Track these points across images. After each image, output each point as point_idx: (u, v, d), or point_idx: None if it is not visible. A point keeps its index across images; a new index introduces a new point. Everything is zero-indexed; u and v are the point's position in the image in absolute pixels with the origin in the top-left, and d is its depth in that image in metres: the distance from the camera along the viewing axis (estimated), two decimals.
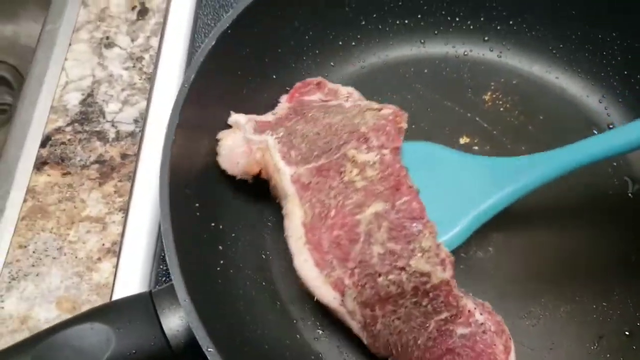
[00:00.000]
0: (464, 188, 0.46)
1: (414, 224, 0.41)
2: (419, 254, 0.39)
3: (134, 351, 0.36)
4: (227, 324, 0.42)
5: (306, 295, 0.49)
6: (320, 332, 0.47)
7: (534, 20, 0.59)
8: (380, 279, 0.40)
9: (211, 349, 0.35)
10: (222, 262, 0.47)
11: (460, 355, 0.40)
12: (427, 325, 0.40)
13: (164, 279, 0.52)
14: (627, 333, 0.47)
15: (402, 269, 0.40)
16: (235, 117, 0.50)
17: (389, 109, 0.47)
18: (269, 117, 0.51)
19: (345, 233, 0.42)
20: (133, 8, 0.69)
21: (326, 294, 0.42)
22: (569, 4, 0.56)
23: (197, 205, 0.46)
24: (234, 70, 0.52)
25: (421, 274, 0.39)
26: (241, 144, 0.48)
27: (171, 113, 0.44)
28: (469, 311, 0.41)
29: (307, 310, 0.48)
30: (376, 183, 0.43)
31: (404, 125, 0.47)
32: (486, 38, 0.62)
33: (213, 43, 0.48)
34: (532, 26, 0.60)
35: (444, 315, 0.40)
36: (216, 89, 0.50)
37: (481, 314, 0.41)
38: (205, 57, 0.47)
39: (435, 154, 0.50)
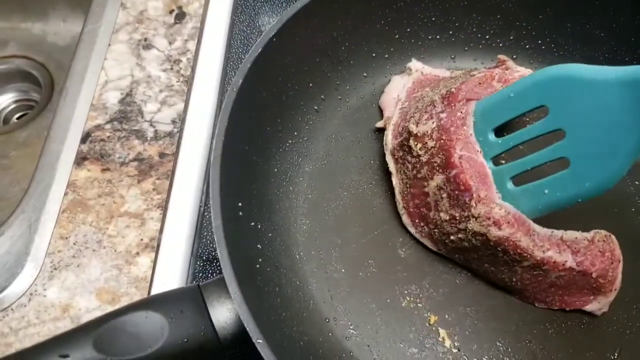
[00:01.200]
0: (615, 117, 0.37)
1: (465, 195, 0.45)
2: (473, 220, 0.45)
3: (185, 340, 0.37)
4: (268, 319, 0.43)
5: (337, 296, 0.51)
6: (352, 331, 0.49)
7: (563, 40, 0.61)
8: (452, 237, 0.48)
9: (260, 340, 0.37)
10: (260, 260, 0.48)
11: (564, 287, 0.46)
12: (515, 269, 0.46)
13: (200, 275, 0.53)
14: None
15: (464, 230, 0.46)
16: (412, 63, 0.58)
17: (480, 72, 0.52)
18: (442, 71, 0.59)
19: (421, 202, 0.50)
20: (171, 12, 0.71)
21: (427, 244, 0.52)
22: (600, 27, 0.59)
23: (239, 204, 0.48)
24: (275, 77, 0.54)
25: (479, 233, 0.45)
26: (400, 90, 0.55)
27: (221, 115, 0.46)
28: (554, 262, 0.44)
29: (338, 310, 0.50)
30: (435, 155, 0.48)
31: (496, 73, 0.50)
32: (515, 56, 0.64)
33: (260, 49, 0.50)
34: (560, 46, 0.62)
35: (526, 264, 0.45)
36: (260, 94, 0.52)
37: (573, 259, 0.45)
38: (252, 63, 0.49)
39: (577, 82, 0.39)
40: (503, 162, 0.48)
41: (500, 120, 0.45)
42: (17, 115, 0.87)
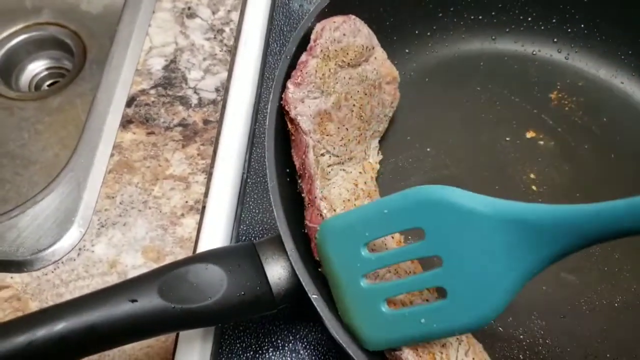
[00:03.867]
0: (493, 250, 0.34)
1: None
2: None
3: (242, 293, 0.39)
4: (317, 280, 0.45)
5: None
6: None
7: (606, 25, 0.62)
8: None
9: (315, 295, 0.38)
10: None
11: None
12: None
13: (244, 238, 0.55)
14: None
15: None
16: None
17: None
18: None
19: None
20: None
21: None
22: None
23: (287, 170, 0.49)
24: None
25: None
26: None
27: (275, 81, 0.47)
28: None
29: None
30: None
31: None
32: (555, 39, 0.64)
33: (313, 19, 0.51)
34: (603, 31, 0.62)
35: None
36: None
37: None
38: (305, 32, 0.50)
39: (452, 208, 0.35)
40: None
41: (373, 237, 0.39)
42: (48, 82, 0.88)
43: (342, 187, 0.48)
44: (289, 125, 0.48)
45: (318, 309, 0.38)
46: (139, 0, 0.70)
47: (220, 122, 0.61)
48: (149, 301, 0.35)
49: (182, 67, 0.65)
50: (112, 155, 0.58)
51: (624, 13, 0.60)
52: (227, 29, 0.69)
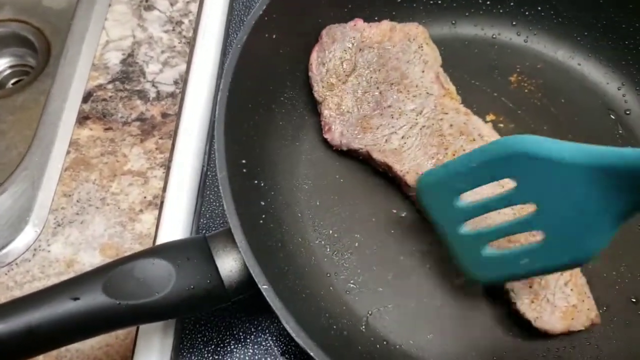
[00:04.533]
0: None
1: None
2: None
3: (192, 287, 0.38)
4: (272, 271, 0.44)
5: (337, 252, 0.52)
6: (352, 285, 0.50)
7: (562, 7, 0.62)
8: None
9: (266, 286, 0.38)
10: (263, 216, 0.49)
11: None
12: None
13: (204, 231, 0.54)
14: (633, 300, 0.51)
15: None
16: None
17: None
18: None
19: None
20: None
21: None
22: None
23: (243, 161, 0.48)
24: (279, 34, 0.54)
25: None
26: None
27: (225, 70, 0.47)
28: None
29: (338, 266, 0.51)
30: None
31: None
32: (514, 22, 0.64)
33: (264, 7, 0.50)
34: (559, 13, 0.62)
35: None
36: (263, 51, 0.52)
37: None
38: (255, 21, 0.50)
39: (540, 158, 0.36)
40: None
41: (466, 188, 0.42)
42: (12, 81, 0.86)
43: None
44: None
45: (268, 300, 0.38)
46: None
47: (178, 115, 0.60)
48: (93, 298, 0.35)
49: (140, 61, 0.64)
50: (68, 152, 0.58)
51: None
52: (186, 21, 0.68)
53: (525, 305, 0.47)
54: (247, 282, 0.40)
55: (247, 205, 0.46)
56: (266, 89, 0.54)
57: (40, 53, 0.84)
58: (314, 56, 0.56)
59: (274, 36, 0.53)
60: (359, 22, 0.58)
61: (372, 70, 0.56)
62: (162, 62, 0.64)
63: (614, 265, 0.52)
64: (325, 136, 0.55)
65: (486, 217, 0.43)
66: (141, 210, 0.54)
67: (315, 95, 0.56)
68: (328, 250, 0.52)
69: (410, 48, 0.56)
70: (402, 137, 0.53)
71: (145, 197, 0.55)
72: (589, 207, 0.34)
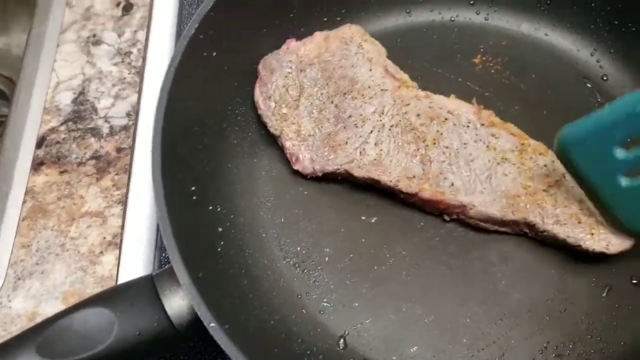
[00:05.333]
0: None
1: None
2: None
3: (137, 333, 0.36)
4: (231, 302, 0.42)
5: (308, 270, 0.49)
6: (325, 304, 0.47)
7: None
8: None
9: (213, 324, 0.35)
10: (222, 243, 0.47)
11: None
12: None
13: (166, 265, 0.52)
14: (634, 282, 0.47)
15: None
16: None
17: None
18: None
19: None
20: (118, 4, 0.69)
21: None
22: None
23: (193, 189, 0.46)
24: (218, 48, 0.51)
25: None
26: None
27: (160, 94, 0.44)
28: None
29: (310, 285, 0.48)
30: None
31: None
32: (472, 2, 0.61)
33: (196, 26, 0.48)
34: None
35: None
36: (205, 68, 0.50)
37: None
38: (187, 42, 0.47)
39: None
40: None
41: (624, 137, 0.41)
42: None
43: None
44: None
45: (216, 338, 0.35)
46: (41, 36, 0.67)
47: (132, 147, 0.58)
48: None
49: (92, 98, 0.62)
50: (24, 201, 0.56)
51: None
52: (134, 50, 0.66)
53: (589, 240, 0.45)
54: (200, 320, 0.37)
55: (200, 235, 0.44)
56: (213, 109, 0.52)
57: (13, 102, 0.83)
58: (257, 93, 0.53)
59: (214, 54, 0.51)
60: (292, 43, 0.55)
61: (321, 87, 0.53)
62: (113, 96, 0.62)
63: None
64: (296, 167, 0.52)
65: None
66: (101, 252, 0.52)
67: (271, 130, 0.52)
68: (297, 269, 0.49)
69: (350, 51, 0.53)
70: (376, 144, 0.50)
71: (104, 238, 0.53)
72: None
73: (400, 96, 0.52)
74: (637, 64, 0.55)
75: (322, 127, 0.52)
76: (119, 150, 0.58)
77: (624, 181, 0.42)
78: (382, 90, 0.52)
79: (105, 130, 0.60)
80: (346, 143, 0.51)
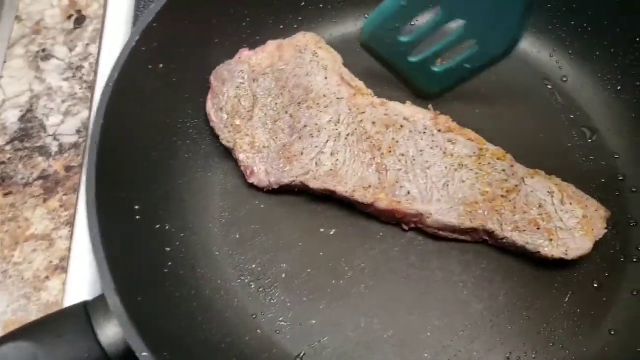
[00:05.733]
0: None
1: None
2: None
3: None
4: (175, 327, 0.40)
5: (264, 288, 0.47)
6: (282, 323, 0.45)
7: None
8: None
9: (145, 353, 0.33)
10: (170, 264, 0.45)
11: None
12: None
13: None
14: (595, 285, 0.46)
15: None
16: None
17: None
18: None
19: None
20: (69, 17, 0.67)
21: None
22: None
23: (136, 207, 0.44)
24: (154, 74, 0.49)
25: None
26: None
27: (97, 111, 0.42)
28: None
29: (265, 304, 0.46)
30: None
31: None
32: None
33: (137, 38, 0.46)
34: None
35: None
36: (151, 81, 0.48)
37: None
38: (129, 52, 0.46)
39: None
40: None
41: (403, 24, 0.49)
42: None
43: None
44: None
45: None
46: None
47: (82, 165, 0.55)
48: None
49: (40, 115, 0.60)
50: None
51: None
52: (86, 64, 0.63)
53: (548, 247, 0.44)
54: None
55: (140, 257, 0.42)
56: (162, 123, 0.50)
57: None
58: (209, 105, 0.51)
59: (161, 66, 0.49)
60: (244, 53, 0.53)
61: (275, 96, 0.51)
62: (63, 113, 0.60)
63: None
64: (251, 181, 0.50)
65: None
66: (47, 277, 0.50)
67: (224, 143, 0.50)
68: (252, 287, 0.47)
69: (304, 59, 0.52)
70: (332, 154, 0.48)
71: (51, 262, 0.50)
72: (500, 4, 0.43)
73: (356, 104, 0.50)
74: (596, 64, 0.54)
75: (277, 138, 0.50)
76: (68, 169, 0.56)
77: (412, 58, 0.51)
78: (337, 98, 0.50)
79: (54, 148, 0.57)
80: (302, 154, 0.49)
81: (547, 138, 0.53)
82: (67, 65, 0.63)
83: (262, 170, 0.49)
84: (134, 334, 0.33)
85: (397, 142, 0.48)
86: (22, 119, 0.60)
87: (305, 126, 0.50)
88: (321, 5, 0.60)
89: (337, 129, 0.49)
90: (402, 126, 0.49)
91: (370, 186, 0.47)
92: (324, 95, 0.51)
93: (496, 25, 0.45)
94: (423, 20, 0.51)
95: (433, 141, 0.48)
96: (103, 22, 0.66)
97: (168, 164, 0.50)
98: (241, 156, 0.50)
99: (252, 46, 0.55)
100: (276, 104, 0.51)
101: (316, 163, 0.48)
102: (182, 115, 0.52)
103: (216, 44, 0.54)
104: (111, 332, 0.35)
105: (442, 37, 0.49)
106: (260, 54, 0.53)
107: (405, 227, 0.48)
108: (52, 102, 0.61)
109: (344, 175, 0.48)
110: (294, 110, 0.50)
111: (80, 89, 0.62)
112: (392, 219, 0.48)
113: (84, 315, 0.36)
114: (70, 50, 0.65)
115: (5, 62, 0.64)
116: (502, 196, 0.45)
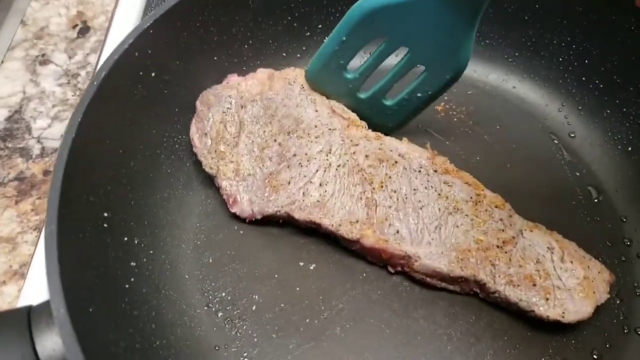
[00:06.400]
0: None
1: None
2: None
3: None
4: (127, 347, 0.36)
5: (231, 319, 0.43)
6: (246, 358, 0.41)
7: (487, 28, 0.56)
8: None
9: None
10: (132, 279, 0.41)
11: None
12: None
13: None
14: (595, 356, 0.42)
15: None
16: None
17: None
18: None
19: None
20: (74, 27, 0.66)
21: None
22: (521, 10, 0.54)
23: (105, 215, 0.41)
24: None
25: None
26: None
27: (65, 134, 0.39)
28: None
29: (231, 335, 0.42)
30: None
31: None
32: None
33: (115, 58, 0.44)
34: (485, 35, 0.57)
35: None
36: (141, 88, 0.46)
37: None
38: (111, 66, 0.43)
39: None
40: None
41: (346, 60, 0.47)
42: None
43: None
44: None
45: None
46: None
47: None
48: None
49: (28, 117, 0.58)
50: None
51: (501, 13, 0.55)
52: (82, 73, 0.62)
53: (544, 306, 0.40)
54: None
55: (99, 267, 0.38)
56: (147, 132, 0.47)
57: None
58: (193, 129, 0.49)
59: (153, 74, 0.47)
60: (232, 78, 0.51)
61: (263, 124, 0.49)
62: (51, 117, 0.58)
63: None
64: (233, 210, 0.47)
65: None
66: (4, 282, 0.46)
67: (206, 169, 0.48)
68: (219, 317, 0.43)
69: (293, 92, 0.50)
70: (321, 185, 0.46)
71: (10, 267, 0.47)
72: (444, 25, 0.42)
73: (349, 135, 0.48)
74: (607, 122, 0.52)
75: (263, 165, 0.47)
76: (46, 173, 0.53)
77: (361, 95, 0.50)
78: (329, 129, 0.48)
79: (36, 151, 0.55)
80: (289, 183, 0.46)
81: (550, 193, 0.50)
82: (64, 71, 0.62)
83: (246, 199, 0.47)
84: (74, 347, 0.30)
85: (390, 177, 0.46)
86: (9, 119, 0.58)
87: (294, 155, 0.47)
88: (325, 37, 0.58)
89: (327, 160, 0.47)
90: (396, 162, 0.46)
91: (357, 221, 0.44)
92: (315, 126, 0.48)
93: (441, 47, 0.44)
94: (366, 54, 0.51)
95: (428, 181, 0.45)
96: (106, 34, 0.65)
97: (147, 176, 0.47)
98: (224, 183, 0.47)
99: (252, 70, 0.53)
100: (264, 132, 0.49)
101: (303, 193, 0.46)
102: (170, 129, 0.50)
103: (214, 62, 0.53)
104: (51, 341, 0.32)
105: (388, 70, 0.48)
106: (250, 80, 0.51)
107: (391, 270, 0.45)
108: (43, 106, 0.59)
109: (331, 208, 0.45)
110: (283, 139, 0.48)
111: (72, 95, 0.60)
112: (379, 260, 0.45)
113: (25, 321, 0.32)
114: (70, 57, 0.64)
115: (2, 62, 0.63)
116: (498, 246, 0.42)
